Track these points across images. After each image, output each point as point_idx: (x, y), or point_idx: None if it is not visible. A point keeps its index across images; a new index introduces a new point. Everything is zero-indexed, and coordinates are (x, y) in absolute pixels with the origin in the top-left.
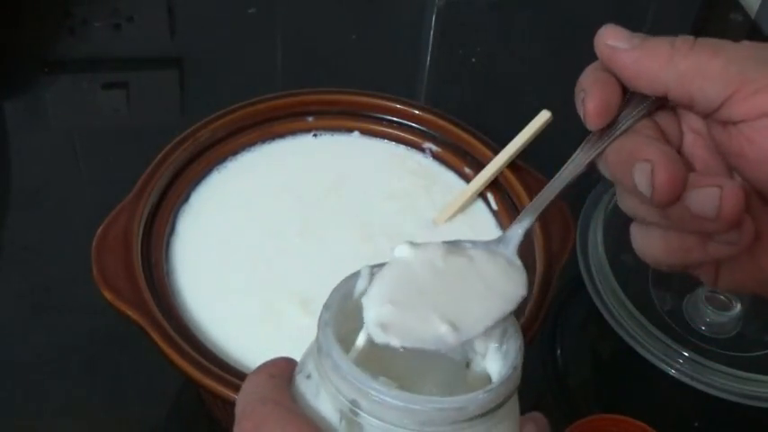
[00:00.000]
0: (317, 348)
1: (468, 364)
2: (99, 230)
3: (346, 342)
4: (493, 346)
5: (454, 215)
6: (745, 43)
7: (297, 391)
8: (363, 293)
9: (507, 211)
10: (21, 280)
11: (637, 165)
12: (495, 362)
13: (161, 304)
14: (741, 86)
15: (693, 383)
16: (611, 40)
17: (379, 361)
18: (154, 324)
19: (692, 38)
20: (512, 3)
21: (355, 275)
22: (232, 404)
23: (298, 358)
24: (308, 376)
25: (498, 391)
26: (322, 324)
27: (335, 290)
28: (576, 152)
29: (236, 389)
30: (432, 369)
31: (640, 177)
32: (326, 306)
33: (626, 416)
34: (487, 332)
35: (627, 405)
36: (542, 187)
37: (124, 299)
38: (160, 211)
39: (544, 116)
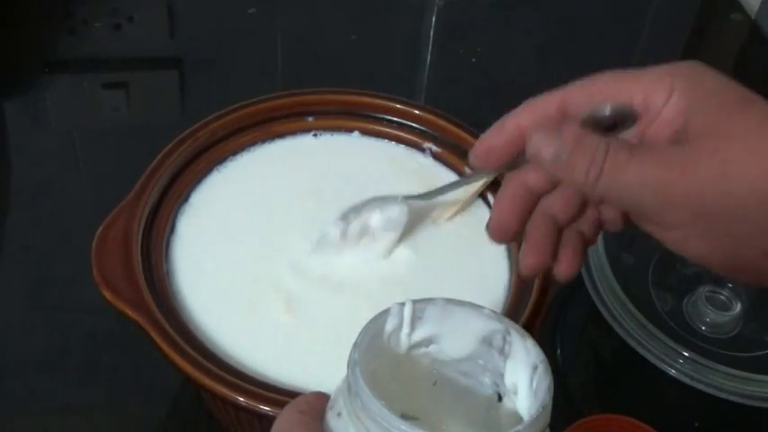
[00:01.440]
0: (347, 388)
1: (497, 399)
2: (99, 230)
3: (376, 378)
4: (522, 383)
5: (454, 215)
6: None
7: (327, 429)
8: (393, 332)
9: None
10: (21, 280)
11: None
12: (525, 399)
13: (161, 304)
14: None
15: (693, 383)
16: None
17: (408, 397)
18: (154, 324)
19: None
20: (512, 3)
21: (384, 314)
22: (232, 404)
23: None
24: (339, 414)
25: (527, 430)
26: (351, 363)
27: (365, 329)
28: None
29: (236, 389)
30: (459, 407)
31: None
32: (356, 345)
33: (626, 416)
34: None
35: (627, 405)
36: None
37: (124, 299)
38: (160, 211)
39: None
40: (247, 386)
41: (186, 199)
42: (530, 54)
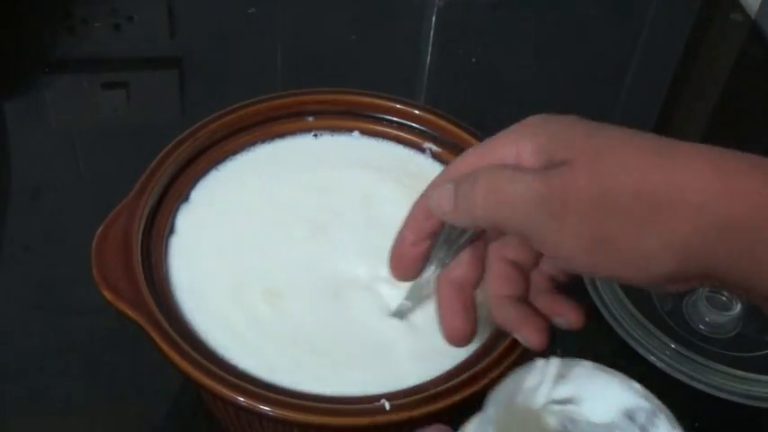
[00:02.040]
0: None
1: None
2: (99, 230)
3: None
4: None
5: None
6: None
7: None
8: (533, 387)
9: None
10: (21, 280)
11: None
12: None
13: (161, 304)
14: None
15: (693, 383)
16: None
17: None
18: (154, 324)
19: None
20: (512, 3)
21: (527, 369)
22: (232, 404)
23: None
24: None
25: None
26: (485, 421)
27: (503, 385)
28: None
29: (237, 389)
30: None
31: None
32: (493, 401)
33: None
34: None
35: None
36: None
37: (124, 299)
38: (160, 211)
39: None
40: (247, 386)
41: (186, 199)
42: (530, 54)
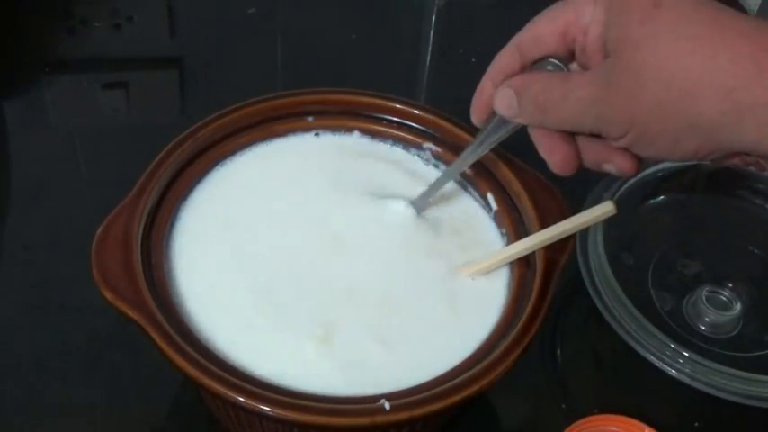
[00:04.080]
0: None
1: None
2: (99, 230)
3: None
4: None
5: (479, 272)
6: None
7: None
8: None
9: (507, 211)
10: (21, 280)
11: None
12: None
13: (161, 304)
14: None
15: (693, 383)
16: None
17: None
18: (154, 324)
19: None
20: (512, 3)
21: None
22: (232, 404)
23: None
24: None
25: None
26: None
27: None
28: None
29: (237, 389)
30: None
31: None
32: None
33: (626, 416)
34: None
35: (627, 405)
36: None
37: (124, 299)
38: (160, 211)
39: (606, 207)
40: (247, 386)
41: (186, 199)
42: None
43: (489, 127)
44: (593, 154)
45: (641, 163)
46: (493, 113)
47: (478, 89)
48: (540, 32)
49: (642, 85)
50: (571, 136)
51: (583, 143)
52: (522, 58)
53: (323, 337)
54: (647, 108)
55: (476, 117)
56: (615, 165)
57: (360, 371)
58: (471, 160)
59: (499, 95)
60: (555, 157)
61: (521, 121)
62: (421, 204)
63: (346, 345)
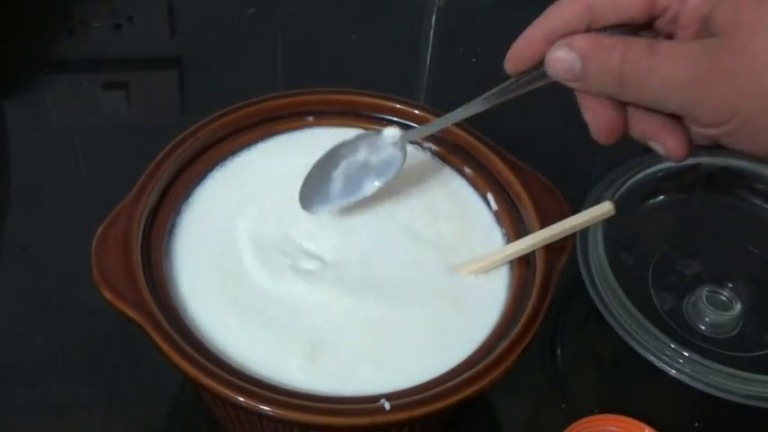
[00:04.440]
0: None
1: None
2: (99, 231)
3: None
4: None
5: (478, 271)
6: None
7: None
8: None
9: (507, 211)
10: (21, 280)
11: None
12: None
13: (161, 304)
14: None
15: (693, 383)
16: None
17: None
18: (154, 324)
19: None
20: (512, 3)
21: None
22: (232, 404)
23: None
24: None
25: None
26: None
27: None
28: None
29: (237, 389)
30: None
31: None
32: None
33: (626, 416)
34: None
35: (627, 405)
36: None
37: (124, 299)
38: (160, 211)
39: (605, 207)
40: (247, 386)
41: (186, 199)
42: None
43: (522, 80)
44: (645, 126)
45: (691, 151)
46: (532, 68)
47: (523, 37)
48: None
49: (754, 74)
50: (623, 104)
51: (637, 114)
52: (592, 19)
53: (309, 353)
54: (756, 100)
55: (511, 66)
56: (665, 145)
57: (369, 367)
58: (483, 108)
59: (557, 56)
60: (600, 123)
61: (580, 86)
62: (412, 137)
63: (353, 338)
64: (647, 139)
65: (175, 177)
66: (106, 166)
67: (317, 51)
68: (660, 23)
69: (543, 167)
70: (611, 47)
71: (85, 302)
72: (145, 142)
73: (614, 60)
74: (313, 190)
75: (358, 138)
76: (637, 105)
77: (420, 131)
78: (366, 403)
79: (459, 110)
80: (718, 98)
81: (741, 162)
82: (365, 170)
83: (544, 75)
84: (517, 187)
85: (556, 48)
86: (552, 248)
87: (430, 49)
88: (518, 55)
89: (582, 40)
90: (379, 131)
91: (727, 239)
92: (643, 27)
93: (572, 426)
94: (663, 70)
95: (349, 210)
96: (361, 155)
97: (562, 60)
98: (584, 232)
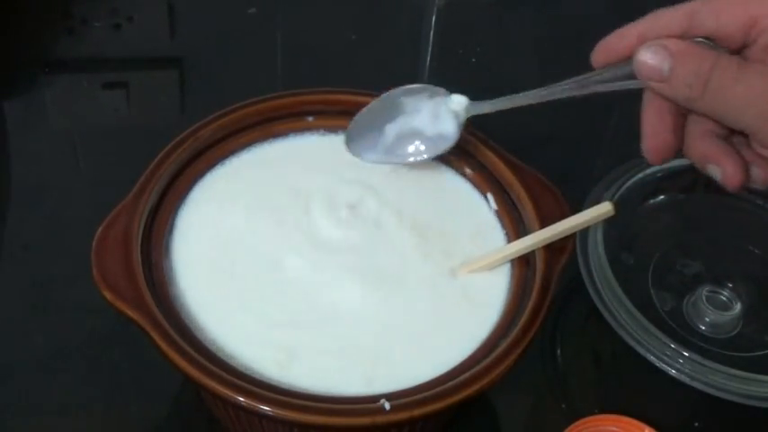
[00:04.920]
0: None
1: None
2: (99, 230)
3: None
4: None
5: (477, 269)
6: None
7: None
8: None
9: (507, 211)
10: (21, 279)
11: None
12: None
13: (161, 304)
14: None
15: (693, 383)
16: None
17: None
18: (154, 324)
19: None
20: (512, 3)
21: None
22: (232, 404)
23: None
24: None
25: None
26: None
27: None
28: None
29: (236, 389)
30: None
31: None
32: None
33: (626, 416)
34: None
35: (627, 405)
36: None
37: (124, 299)
38: (160, 211)
39: (604, 208)
40: (247, 386)
41: (186, 199)
42: (530, 54)
43: (602, 74)
44: (707, 149)
45: (747, 182)
46: (617, 63)
47: (618, 32)
48: (727, 9)
49: None
50: (681, 127)
51: (700, 137)
52: (691, 27)
53: (309, 353)
54: None
55: (598, 57)
56: (725, 170)
57: (366, 366)
58: (556, 96)
59: (649, 52)
60: (656, 142)
61: (660, 89)
62: (479, 110)
63: (353, 339)
64: (707, 161)
65: (175, 177)
66: (106, 166)
67: (317, 51)
68: (751, 51)
69: (543, 167)
70: (703, 53)
71: (85, 302)
72: (145, 142)
73: (705, 66)
74: (362, 134)
75: (423, 92)
76: (709, 118)
77: (488, 106)
78: (366, 403)
79: (535, 90)
80: None
81: None
82: (418, 136)
83: (627, 75)
84: (517, 187)
85: (647, 46)
86: (552, 248)
87: (430, 49)
88: (607, 47)
89: (675, 43)
90: (448, 94)
91: (727, 239)
92: (735, 52)
93: (572, 426)
94: (748, 80)
95: (354, 204)
96: (420, 118)
97: (652, 58)
98: (584, 232)
